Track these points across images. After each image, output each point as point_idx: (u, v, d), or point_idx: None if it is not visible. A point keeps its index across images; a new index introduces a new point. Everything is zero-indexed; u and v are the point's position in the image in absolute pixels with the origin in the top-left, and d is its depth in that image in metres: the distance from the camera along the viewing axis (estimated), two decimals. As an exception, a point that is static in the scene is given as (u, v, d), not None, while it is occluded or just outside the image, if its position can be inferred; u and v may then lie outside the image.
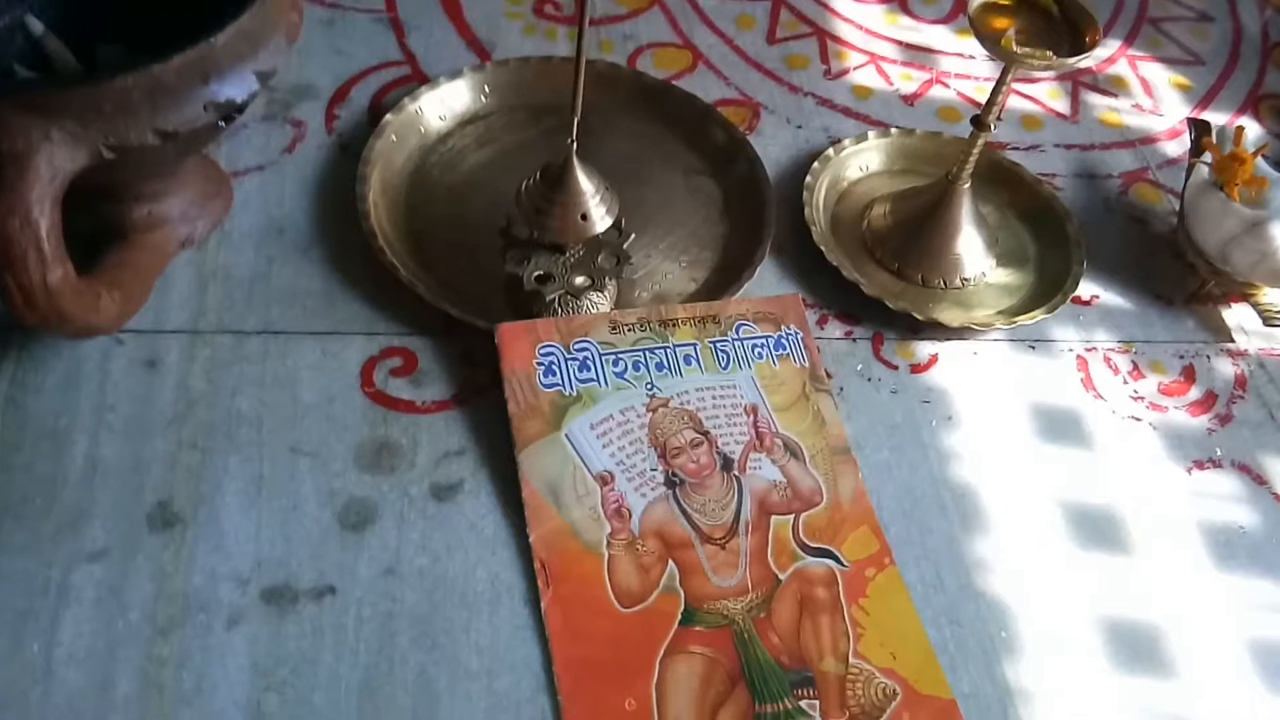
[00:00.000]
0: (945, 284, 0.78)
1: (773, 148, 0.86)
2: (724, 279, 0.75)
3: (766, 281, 0.77)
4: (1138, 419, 0.72)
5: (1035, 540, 0.65)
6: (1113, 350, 0.76)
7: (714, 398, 0.66)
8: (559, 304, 0.70)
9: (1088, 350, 0.76)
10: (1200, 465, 0.71)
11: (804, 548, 0.62)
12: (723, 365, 0.68)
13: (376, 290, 0.71)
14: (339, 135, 0.80)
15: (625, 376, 0.66)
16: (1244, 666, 0.62)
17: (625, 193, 0.77)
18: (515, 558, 0.60)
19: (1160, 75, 1.00)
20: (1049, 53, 0.63)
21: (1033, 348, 0.75)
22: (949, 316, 0.75)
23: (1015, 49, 0.63)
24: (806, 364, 0.69)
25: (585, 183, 0.65)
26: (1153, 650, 0.62)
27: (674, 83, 0.88)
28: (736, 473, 0.64)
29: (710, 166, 0.83)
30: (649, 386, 0.66)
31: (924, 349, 0.74)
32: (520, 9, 0.94)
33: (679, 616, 0.59)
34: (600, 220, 0.66)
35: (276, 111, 0.81)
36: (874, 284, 0.76)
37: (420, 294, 0.68)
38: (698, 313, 0.70)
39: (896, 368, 0.73)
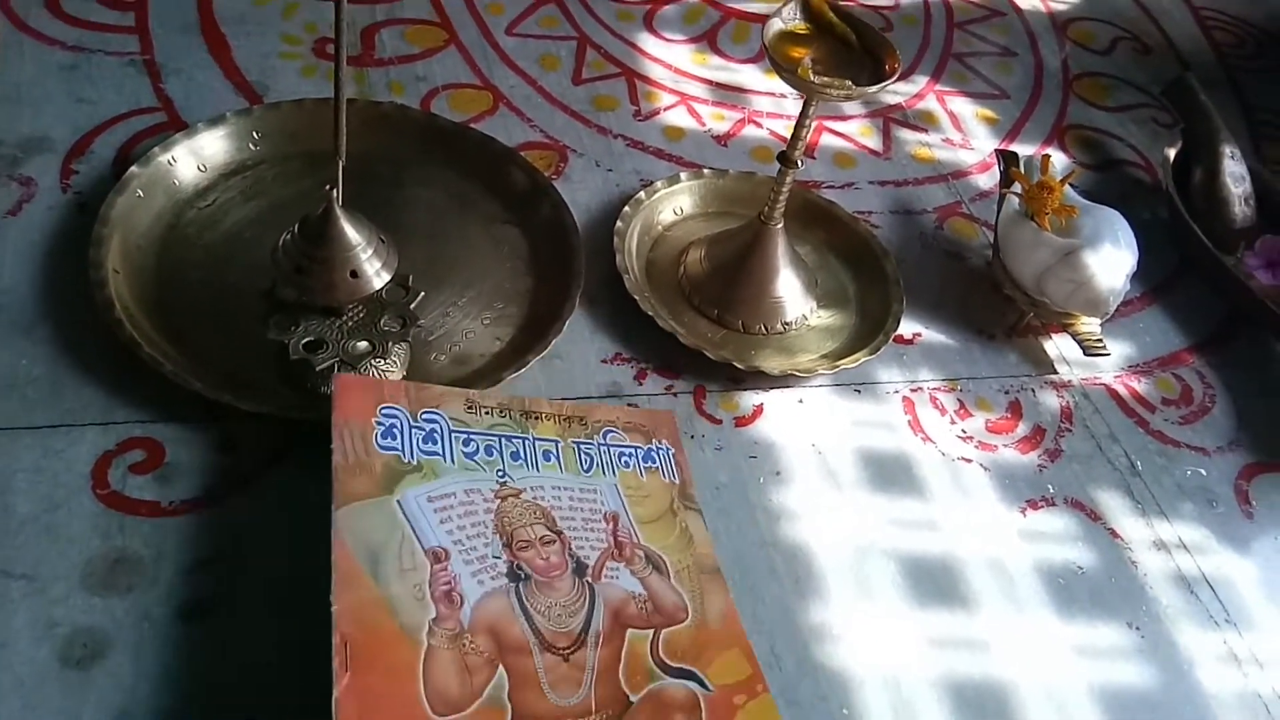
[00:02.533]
0: (767, 329, 0.73)
1: (582, 193, 0.80)
2: (531, 336, 0.69)
3: (579, 336, 0.70)
4: (968, 459, 0.69)
5: (873, 600, 0.61)
6: (938, 389, 0.73)
7: (571, 499, 0.58)
8: (336, 373, 0.61)
9: (913, 390, 0.73)
10: (1034, 504, 0.68)
11: (663, 667, 0.53)
12: (585, 468, 0.60)
13: (115, 372, 0.60)
14: (76, 193, 0.70)
15: (475, 458, 0.57)
16: (1093, 716, 0.58)
17: (419, 246, 0.70)
18: (280, 684, 0.51)
19: (968, 109, 1.00)
20: (848, 81, 0.59)
21: (858, 391, 0.72)
22: (772, 364, 0.70)
23: (813, 78, 0.59)
24: (676, 480, 0.62)
25: (353, 235, 0.57)
26: (1000, 709, 0.57)
27: (472, 125, 0.82)
28: (590, 579, 0.55)
29: (513, 214, 0.77)
30: (500, 474, 0.57)
31: (748, 400, 0.69)
32: (298, 49, 0.85)
33: None
34: (375, 276, 0.58)
35: (1, 169, 0.70)
36: (693, 333, 0.71)
37: (165, 372, 0.58)
38: (563, 411, 0.62)
39: (720, 422, 0.68)
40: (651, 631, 0.54)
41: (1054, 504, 0.68)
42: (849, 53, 0.63)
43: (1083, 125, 1.01)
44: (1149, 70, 1.10)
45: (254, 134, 0.75)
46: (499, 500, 0.56)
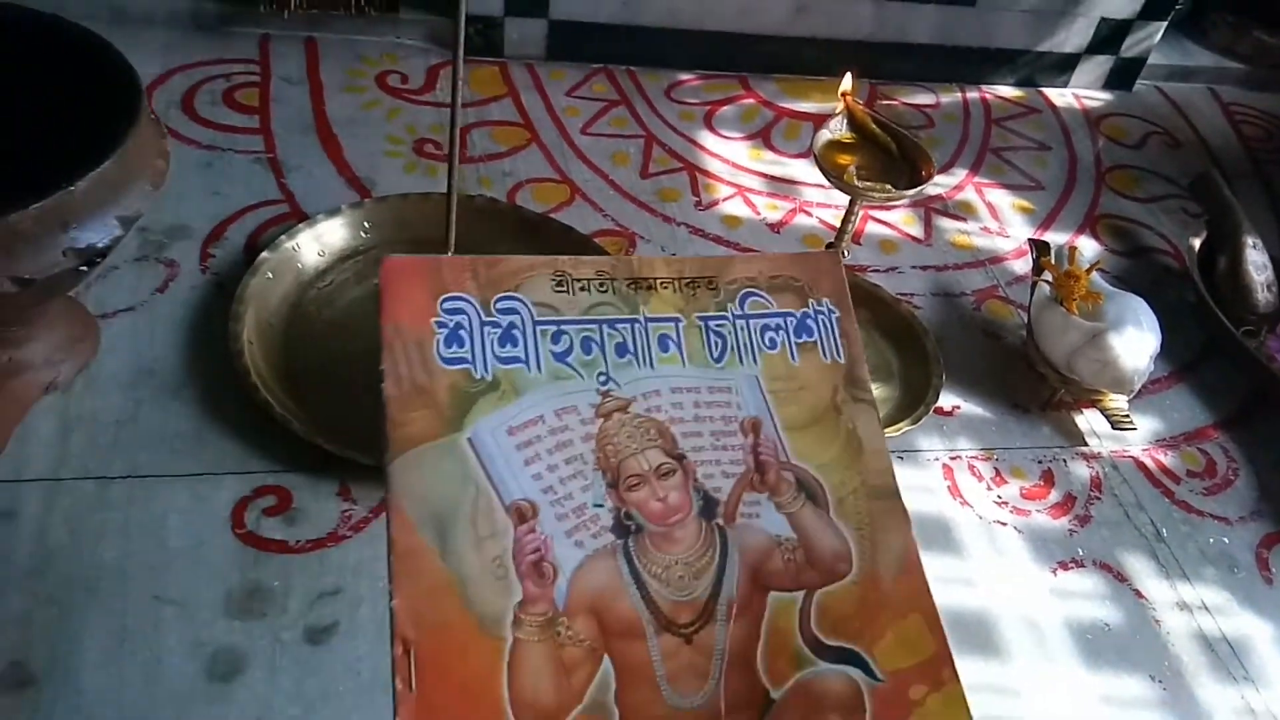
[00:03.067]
0: (816, 400, 0.81)
1: (649, 275, 0.89)
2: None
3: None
4: (1003, 523, 0.76)
5: (913, 649, 0.67)
6: (976, 458, 0.80)
7: (696, 405, 0.44)
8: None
9: (952, 458, 0.79)
10: (1064, 565, 0.74)
11: (816, 648, 0.41)
12: (715, 356, 0.45)
13: (250, 429, 0.70)
14: (213, 274, 0.80)
15: (569, 360, 0.43)
16: (1117, 763, 0.64)
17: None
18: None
19: (1005, 200, 1.08)
20: (888, 186, 0.68)
21: (901, 458, 0.79)
22: (821, 432, 0.77)
23: (857, 183, 0.68)
24: (842, 359, 0.47)
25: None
26: (1031, 753, 0.63)
27: (552, 215, 0.91)
28: (721, 521, 0.42)
29: (588, 295, 0.86)
30: (602, 378, 0.43)
31: (799, 464, 0.77)
32: (400, 148, 0.96)
33: None
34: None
35: (149, 252, 0.81)
36: (749, 403, 0.79)
37: (294, 430, 0.68)
38: (685, 271, 0.47)
39: (774, 484, 0.75)
40: (802, 594, 0.42)
41: (1083, 565, 0.74)
42: (889, 159, 0.72)
43: (1114, 215, 1.08)
44: (1179, 163, 1.17)
45: (365, 223, 0.85)
46: (601, 419, 0.43)
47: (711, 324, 0.46)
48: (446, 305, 0.43)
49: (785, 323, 0.47)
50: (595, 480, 0.42)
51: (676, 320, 0.46)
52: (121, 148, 0.59)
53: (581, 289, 0.45)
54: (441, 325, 0.42)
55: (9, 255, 0.54)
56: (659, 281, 0.46)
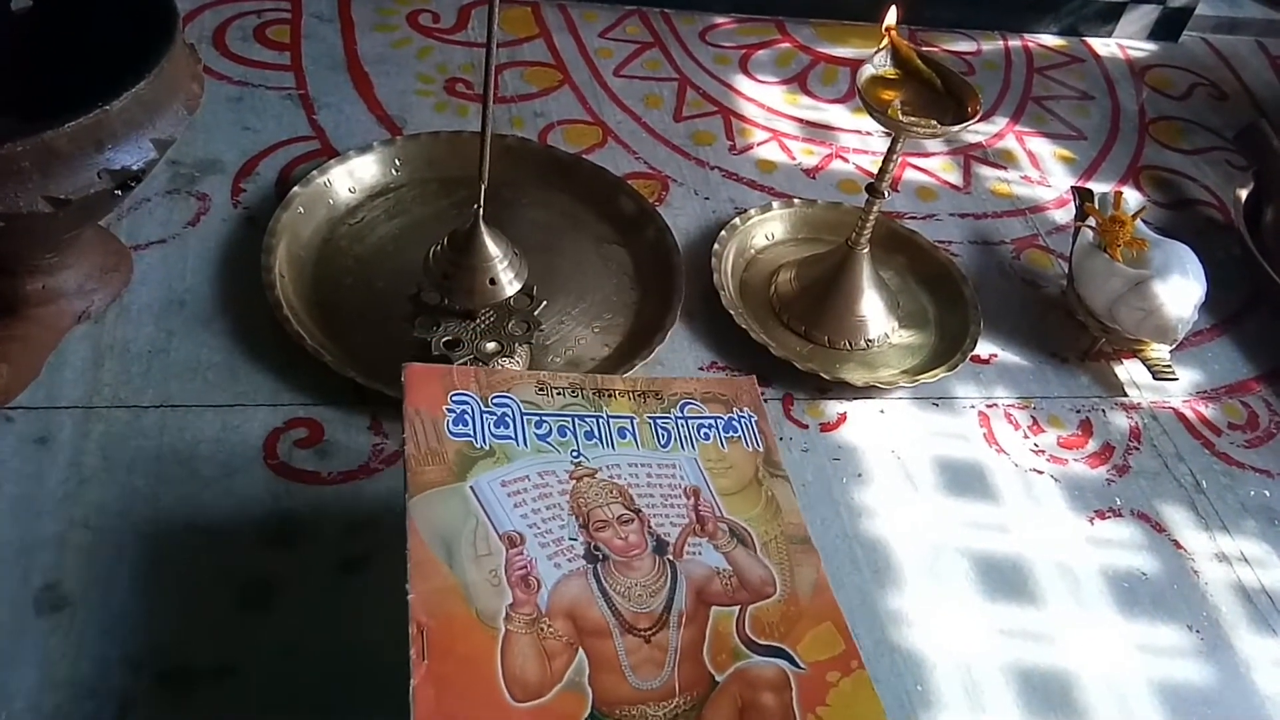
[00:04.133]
0: (850, 345, 0.80)
1: (681, 218, 0.88)
2: (636, 344, 0.76)
3: (679, 346, 0.78)
4: (1039, 471, 0.74)
5: (945, 592, 0.66)
6: (1012, 406, 0.79)
7: (649, 475, 0.57)
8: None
9: (989, 406, 0.78)
10: (1101, 515, 0.73)
11: (750, 645, 0.51)
12: (662, 443, 0.58)
13: (282, 361, 0.69)
14: (245, 209, 0.80)
15: (548, 440, 0.57)
16: (1150, 709, 0.63)
17: (537, 261, 0.78)
18: (424, 629, 0.59)
19: (1046, 149, 1.05)
20: (933, 121, 0.66)
21: (936, 405, 0.77)
22: (855, 376, 0.76)
23: (901, 118, 0.66)
24: (761, 448, 0.60)
25: (493, 247, 0.65)
26: (1064, 697, 0.62)
27: (584, 157, 0.90)
28: (671, 556, 0.54)
29: (621, 236, 0.85)
30: (574, 454, 0.56)
31: (832, 408, 0.76)
32: (431, 87, 0.95)
33: None
34: (509, 285, 0.66)
35: (180, 185, 0.80)
36: (783, 346, 0.78)
37: (326, 362, 0.67)
38: (637, 386, 0.61)
39: (806, 427, 0.74)
40: (737, 609, 0.53)
41: (1121, 515, 0.73)
42: (934, 95, 0.70)
43: (1158, 166, 1.06)
44: (1225, 115, 1.14)
45: (396, 161, 0.84)
46: (574, 481, 0.55)
47: (658, 422, 0.60)
48: (455, 398, 0.57)
49: (715, 423, 0.60)
50: (570, 521, 0.54)
51: (631, 418, 0.59)
52: (157, 69, 0.58)
53: (558, 393, 0.59)
54: (450, 411, 0.56)
55: (45, 174, 0.54)
56: (618, 391, 0.60)
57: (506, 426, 0.57)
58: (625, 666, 0.49)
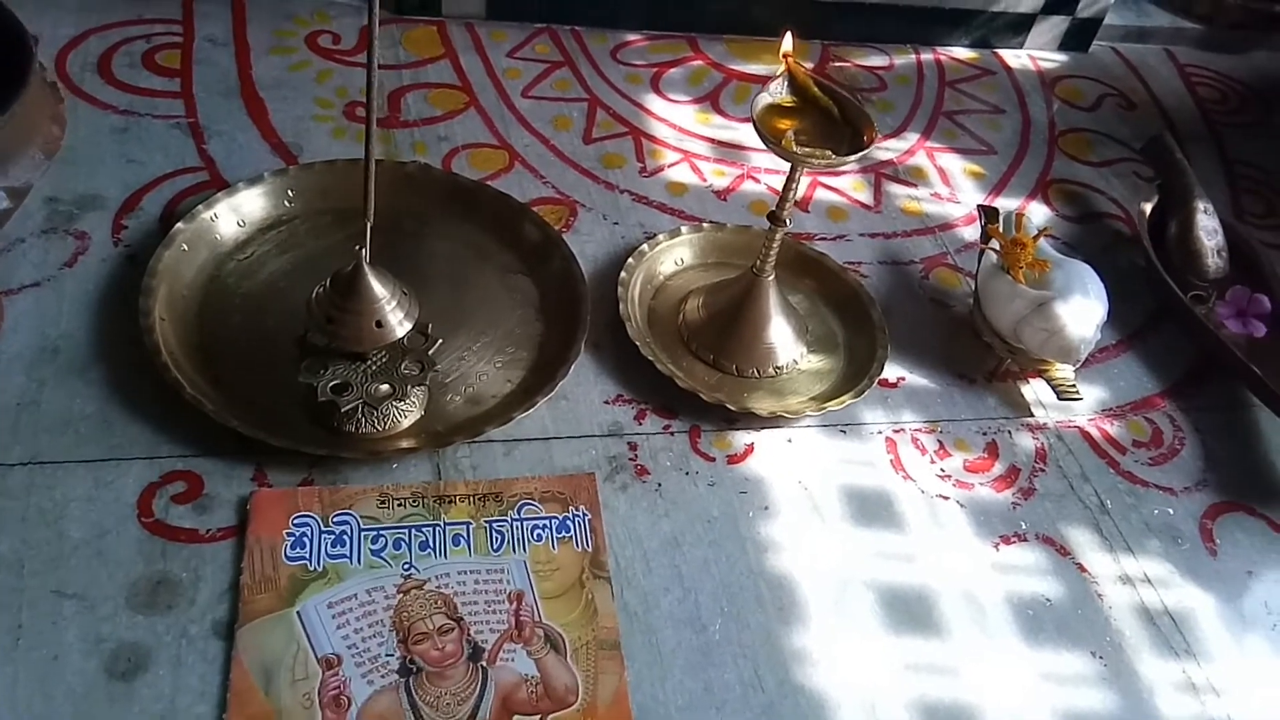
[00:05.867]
0: (759, 373, 0.79)
1: (590, 245, 0.86)
2: (540, 378, 0.74)
3: (584, 379, 0.76)
4: (945, 497, 0.74)
5: (851, 627, 0.65)
6: (919, 430, 0.78)
7: (476, 581, 0.62)
8: (361, 413, 0.67)
9: (895, 431, 0.78)
10: (1006, 540, 0.72)
11: None
12: (495, 547, 0.64)
13: (160, 410, 0.66)
14: (126, 247, 0.76)
15: (382, 554, 0.62)
16: (1057, 741, 0.63)
17: (439, 294, 0.76)
18: (308, 693, 0.56)
19: (956, 165, 1.06)
20: (828, 151, 0.65)
21: (844, 432, 0.77)
22: (763, 405, 0.75)
23: (796, 148, 0.65)
24: (589, 548, 0.65)
25: (378, 288, 0.63)
26: (969, 732, 0.62)
27: (490, 183, 0.88)
28: (485, 663, 0.58)
29: (526, 265, 0.83)
30: (406, 566, 0.62)
31: (740, 439, 0.74)
32: (330, 111, 0.92)
33: None
34: (397, 326, 0.64)
35: (58, 224, 0.76)
36: (690, 376, 0.76)
37: (206, 411, 0.65)
38: (479, 490, 0.66)
39: (714, 459, 0.73)
40: (538, 717, 0.57)
41: (1026, 539, 0.73)
42: (831, 123, 0.69)
43: (1066, 179, 1.07)
44: (1133, 125, 1.16)
45: (289, 192, 0.81)
46: (401, 595, 0.60)
47: (495, 525, 0.65)
48: (296, 521, 0.62)
49: (550, 523, 0.66)
50: (389, 638, 0.59)
51: (468, 524, 0.65)
52: (7, 114, 0.55)
53: (399, 504, 0.65)
54: (290, 534, 0.62)
55: (-124, 230, 0.50)
56: (459, 496, 0.66)
57: (343, 545, 0.62)
58: None
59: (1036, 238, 0.81)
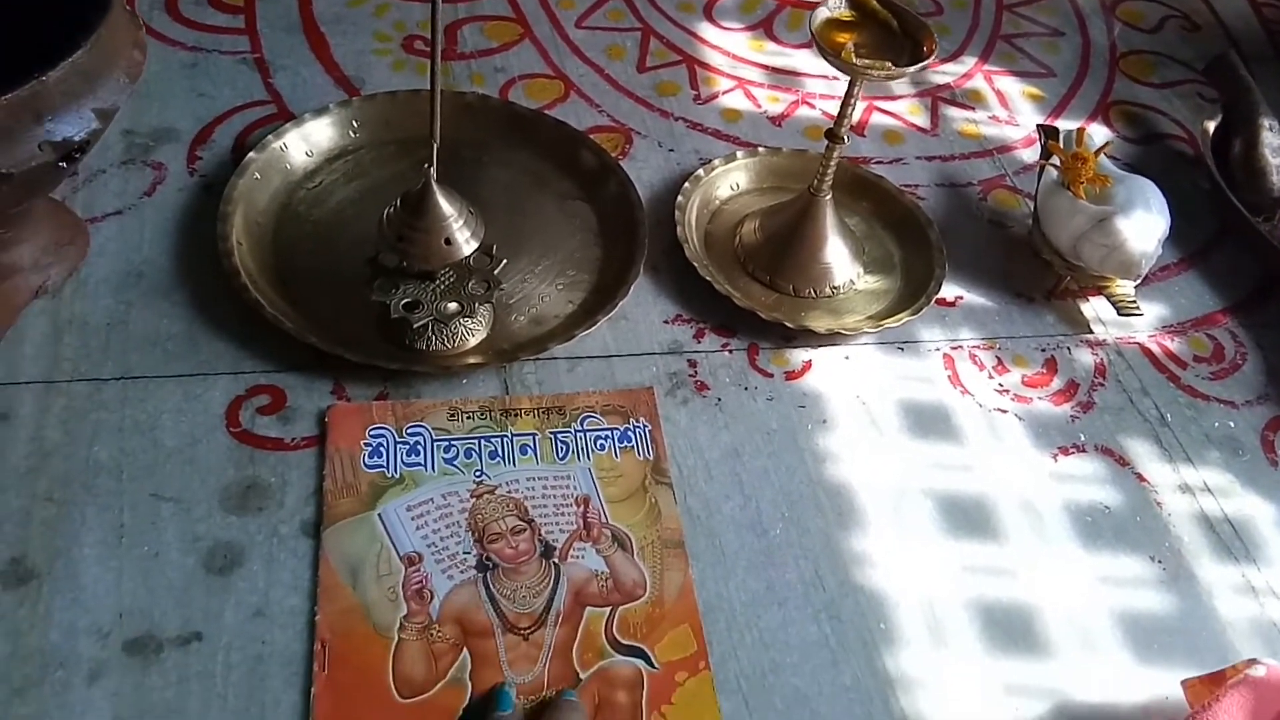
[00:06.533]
0: (815, 293, 0.80)
1: (646, 171, 0.87)
2: (600, 299, 0.76)
3: (643, 300, 0.77)
4: (1003, 410, 0.75)
5: (909, 533, 0.67)
6: (977, 347, 0.79)
7: (545, 487, 0.65)
8: (431, 330, 0.70)
9: (953, 349, 0.78)
10: (1065, 451, 0.73)
11: (614, 645, 0.59)
12: (560, 456, 0.66)
13: (242, 329, 0.69)
14: (201, 176, 0.79)
15: (455, 463, 0.65)
16: (1114, 639, 0.64)
17: (500, 220, 0.78)
18: (391, 588, 0.59)
19: (1014, 88, 1.04)
20: (888, 63, 0.66)
21: (901, 349, 0.78)
22: (819, 324, 0.76)
23: (855, 60, 0.65)
24: (651, 456, 0.67)
25: (446, 207, 0.65)
26: (1026, 630, 0.63)
27: (547, 112, 0.89)
28: (557, 560, 0.62)
29: (583, 191, 0.84)
30: (478, 473, 0.64)
31: (798, 356, 0.76)
32: (388, 45, 0.94)
33: (459, 714, 0.55)
34: (465, 244, 0.66)
35: (135, 155, 0.79)
36: (747, 296, 0.78)
37: (286, 329, 0.67)
38: (543, 404, 0.69)
39: (772, 376, 0.74)
40: (609, 609, 0.60)
41: (1084, 450, 0.73)
42: (890, 37, 0.69)
43: (1127, 101, 1.05)
44: (1196, 47, 1.13)
45: (354, 122, 0.83)
46: (474, 499, 0.63)
47: (559, 436, 0.67)
48: (372, 432, 0.65)
49: (612, 434, 0.68)
50: (465, 537, 0.62)
51: (534, 435, 0.67)
52: (94, 36, 0.57)
53: (468, 417, 0.67)
54: (367, 445, 0.65)
55: (-19, 148, 0.53)
56: (524, 410, 0.68)
57: (418, 454, 0.65)
58: (503, 662, 0.57)
59: (1098, 153, 0.81)
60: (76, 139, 0.57)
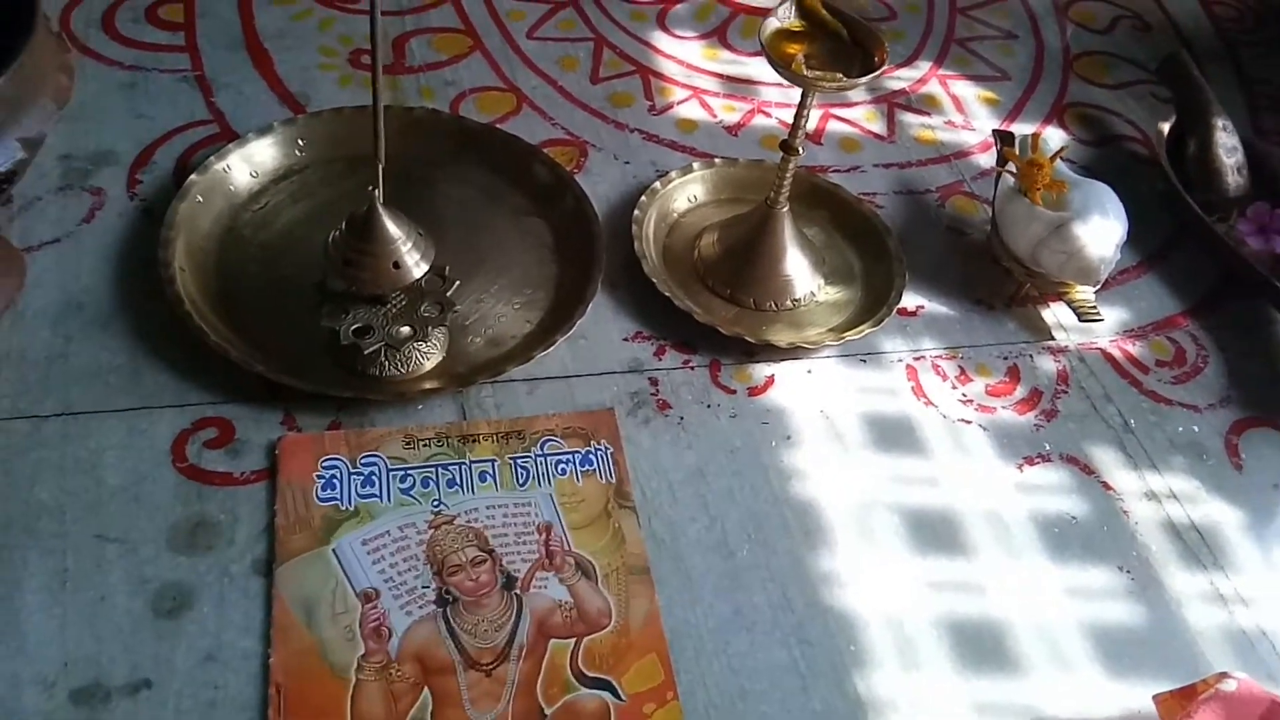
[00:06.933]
0: (777, 306, 0.79)
1: (601, 184, 0.86)
2: (558, 318, 0.74)
3: (602, 317, 0.76)
4: (967, 421, 0.74)
5: (877, 550, 0.66)
6: (940, 357, 0.78)
7: (505, 515, 0.63)
8: (384, 356, 0.68)
9: (916, 359, 0.78)
10: (1030, 461, 0.73)
11: (580, 678, 0.57)
12: (520, 482, 0.64)
13: (186, 359, 0.67)
14: (142, 201, 0.76)
15: (411, 493, 0.63)
16: (1084, 653, 0.63)
17: (453, 238, 0.76)
18: (347, 627, 0.58)
19: (970, 92, 1.04)
20: (839, 74, 0.65)
21: (864, 361, 0.77)
22: (781, 337, 0.76)
23: (806, 72, 0.64)
24: (613, 480, 0.66)
25: (394, 229, 0.63)
26: (996, 646, 0.63)
27: (499, 126, 0.87)
28: (519, 591, 0.60)
29: (538, 206, 0.83)
30: (435, 503, 0.63)
31: (760, 371, 0.75)
32: (334, 60, 0.92)
33: None
34: (415, 267, 0.64)
35: (73, 181, 0.77)
36: (707, 312, 0.76)
37: (232, 358, 0.65)
38: (502, 429, 0.67)
39: (734, 392, 0.73)
40: (573, 641, 0.58)
41: (1050, 460, 0.73)
42: (841, 47, 0.68)
43: (1082, 103, 1.05)
44: (1149, 47, 1.14)
45: (299, 141, 0.81)
46: (432, 530, 0.61)
47: (519, 461, 0.65)
48: (325, 464, 0.63)
49: (573, 458, 0.66)
50: (424, 571, 0.60)
51: (493, 460, 0.65)
52: (15, 64, 0.55)
53: (424, 444, 0.65)
54: (320, 477, 0.62)
55: (-102, 183, 0.51)
56: (482, 435, 0.66)
57: (373, 485, 0.63)
58: (465, 700, 0.55)
59: (1053, 158, 0.80)
60: (2, 170, 0.55)
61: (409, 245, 0.64)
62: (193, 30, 0.91)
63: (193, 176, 0.75)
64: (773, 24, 0.68)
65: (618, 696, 0.57)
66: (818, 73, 0.65)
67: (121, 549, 0.59)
